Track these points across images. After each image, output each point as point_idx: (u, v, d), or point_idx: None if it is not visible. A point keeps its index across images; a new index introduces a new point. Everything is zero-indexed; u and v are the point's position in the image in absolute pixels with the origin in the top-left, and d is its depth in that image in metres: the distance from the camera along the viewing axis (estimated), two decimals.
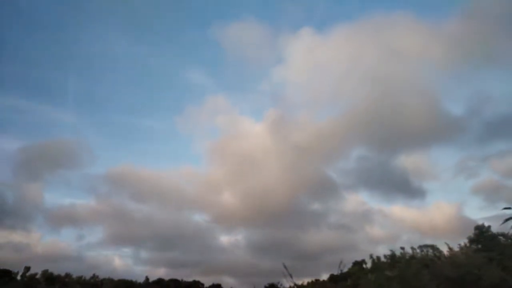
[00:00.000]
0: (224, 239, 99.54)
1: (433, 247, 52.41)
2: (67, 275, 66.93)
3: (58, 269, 64.30)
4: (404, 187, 75.34)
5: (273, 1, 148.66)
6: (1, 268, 62.81)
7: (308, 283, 68.57)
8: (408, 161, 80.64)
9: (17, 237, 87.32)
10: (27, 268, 63.41)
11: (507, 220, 7.27)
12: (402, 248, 56.78)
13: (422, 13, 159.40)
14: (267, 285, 76.31)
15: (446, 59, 78.69)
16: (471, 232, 40.19)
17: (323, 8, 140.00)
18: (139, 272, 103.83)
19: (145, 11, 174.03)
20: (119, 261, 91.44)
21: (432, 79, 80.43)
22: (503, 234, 36.55)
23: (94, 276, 71.27)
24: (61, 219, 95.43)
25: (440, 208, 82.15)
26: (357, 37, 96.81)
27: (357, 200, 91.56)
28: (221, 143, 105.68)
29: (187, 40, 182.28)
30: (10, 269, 64.04)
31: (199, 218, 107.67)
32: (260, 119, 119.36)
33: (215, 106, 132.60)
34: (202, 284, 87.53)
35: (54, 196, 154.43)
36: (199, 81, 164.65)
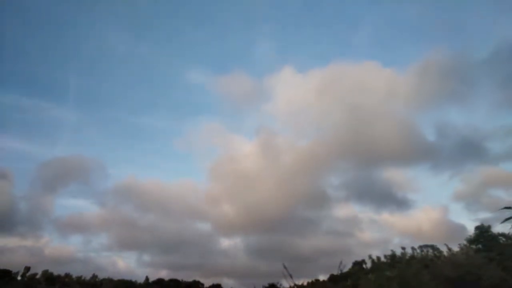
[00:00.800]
0: (224, 244, 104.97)
1: (433, 247, 52.44)
2: (67, 275, 66.90)
3: (66, 271, 66.83)
4: (389, 198, 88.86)
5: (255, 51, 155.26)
6: (2, 268, 62.86)
7: (308, 283, 68.63)
8: (388, 176, 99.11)
9: (29, 242, 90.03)
10: (27, 268, 63.43)
11: (506, 219, 7.26)
12: (403, 248, 56.93)
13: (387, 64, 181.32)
14: (267, 286, 76.35)
15: (410, 96, 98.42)
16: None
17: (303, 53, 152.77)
18: (141, 273, 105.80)
19: (148, 10, 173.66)
20: (123, 264, 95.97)
21: (401, 110, 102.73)
22: (503, 234, 36.59)
23: (94, 276, 71.22)
24: (70, 226, 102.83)
25: (426, 213, 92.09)
26: (334, 76, 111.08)
27: (348, 209, 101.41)
28: (219, 162, 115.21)
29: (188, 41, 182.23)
30: (11, 269, 64.17)
31: (200, 226, 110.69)
32: (253, 140, 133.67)
33: (212, 131, 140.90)
34: (202, 284, 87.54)
35: (65, 206, 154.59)
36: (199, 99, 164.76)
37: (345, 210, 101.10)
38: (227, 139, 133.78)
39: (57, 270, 66.62)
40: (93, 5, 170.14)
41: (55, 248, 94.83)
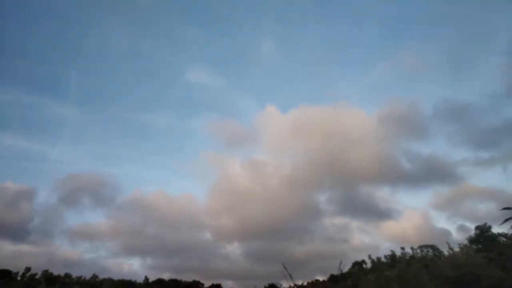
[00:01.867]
0: (223, 250, 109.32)
1: (433, 247, 52.47)
2: (67, 276, 66.90)
3: (74, 273, 68.40)
4: (374, 210, 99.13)
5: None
6: (2, 268, 62.88)
7: (308, 283, 68.66)
8: (371, 192, 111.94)
9: (41, 248, 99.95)
10: (28, 269, 63.43)
11: (506, 220, 7.26)
12: (402, 248, 56.97)
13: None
14: (267, 286, 76.53)
15: (382, 131, 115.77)
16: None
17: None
18: (142, 274, 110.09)
19: (149, 7, 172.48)
20: (126, 266, 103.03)
21: (375, 141, 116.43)
22: (503, 234, 36.60)
23: (93, 276, 71.18)
24: (80, 235, 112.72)
25: (409, 220, 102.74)
26: (313, 113, 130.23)
27: (337, 220, 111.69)
28: (217, 181, 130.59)
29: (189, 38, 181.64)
30: (11, 269, 64.19)
31: (201, 235, 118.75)
32: (247, 164, 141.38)
33: (208, 159, 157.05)
34: (202, 284, 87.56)
35: (76, 217, 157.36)
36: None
37: (334, 220, 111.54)
38: (223, 163, 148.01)
39: (65, 272, 67.52)
40: (95, 1, 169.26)
41: (64, 252, 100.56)
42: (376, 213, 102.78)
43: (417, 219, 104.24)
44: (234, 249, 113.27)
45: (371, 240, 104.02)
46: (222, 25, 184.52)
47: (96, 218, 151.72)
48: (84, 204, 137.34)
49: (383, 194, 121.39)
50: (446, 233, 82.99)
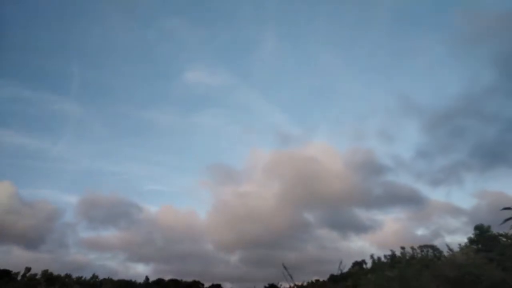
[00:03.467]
0: (223, 256, 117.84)
1: (433, 247, 52.53)
2: (67, 276, 66.87)
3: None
4: (357, 223, 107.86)
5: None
6: (2, 268, 62.88)
7: (308, 283, 68.61)
8: (351, 212, 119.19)
9: (54, 255, 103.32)
10: (28, 269, 63.41)
11: (506, 220, 7.27)
12: (402, 248, 56.99)
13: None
14: (267, 286, 76.56)
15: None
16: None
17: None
18: (143, 274, 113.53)
19: (153, 2, 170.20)
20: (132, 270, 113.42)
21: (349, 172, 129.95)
22: (503, 235, 36.57)
23: (93, 276, 71.18)
24: (91, 245, 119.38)
25: (391, 228, 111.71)
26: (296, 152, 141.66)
27: (323, 232, 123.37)
28: (214, 201, 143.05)
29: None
30: (11, 269, 64.19)
31: (202, 245, 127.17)
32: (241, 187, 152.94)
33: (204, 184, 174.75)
34: (202, 284, 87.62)
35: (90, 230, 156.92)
36: None
37: (320, 232, 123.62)
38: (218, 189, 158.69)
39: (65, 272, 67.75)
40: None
41: (75, 257, 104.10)
42: (357, 226, 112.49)
43: (397, 227, 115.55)
44: (233, 256, 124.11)
45: (358, 247, 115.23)
46: (225, 21, 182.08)
47: (107, 231, 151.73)
48: (99, 220, 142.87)
49: (361, 213, 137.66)
50: (427, 239, 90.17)
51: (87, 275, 70.69)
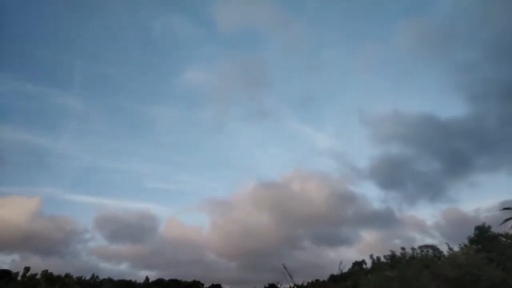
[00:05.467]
0: (223, 263, 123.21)
1: (433, 247, 52.49)
2: (67, 276, 66.84)
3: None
4: (342, 237, 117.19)
5: None
6: (2, 268, 62.87)
7: (308, 283, 68.57)
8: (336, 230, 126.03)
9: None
10: (27, 269, 63.38)
11: (507, 220, 7.26)
12: (403, 249, 56.98)
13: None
14: (267, 286, 76.59)
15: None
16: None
17: None
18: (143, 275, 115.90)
19: None
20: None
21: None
22: (503, 235, 36.54)
23: (93, 277, 71.23)
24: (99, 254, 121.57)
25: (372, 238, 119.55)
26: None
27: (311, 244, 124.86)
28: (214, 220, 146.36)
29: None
30: (10, 269, 64.17)
31: (204, 253, 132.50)
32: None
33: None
34: (202, 284, 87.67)
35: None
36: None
37: (310, 244, 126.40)
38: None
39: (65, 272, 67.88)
40: None
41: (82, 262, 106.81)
42: (340, 239, 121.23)
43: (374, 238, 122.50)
44: (233, 261, 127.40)
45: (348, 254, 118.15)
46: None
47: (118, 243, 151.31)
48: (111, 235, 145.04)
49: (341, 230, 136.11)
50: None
51: (87, 275, 70.79)
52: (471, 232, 42.03)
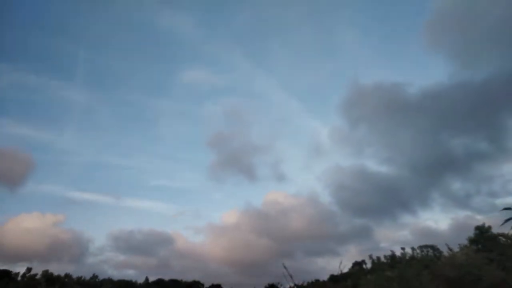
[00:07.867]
0: (222, 267, 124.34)
1: (433, 247, 52.47)
2: (67, 276, 66.84)
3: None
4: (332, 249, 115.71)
5: None
6: (2, 268, 62.85)
7: (308, 283, 68.56)
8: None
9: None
10: (28, 269, 63.39)
11: (507, 220, 7.25)
12: (403, 249, 56.97)
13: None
14: (267, 285, 76.63)
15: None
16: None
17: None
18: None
19: None
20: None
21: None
22: (503, 235, 36.54)
23: (93, 277, 71.21)
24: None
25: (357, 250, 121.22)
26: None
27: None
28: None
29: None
30: (11, 269, 64.14)
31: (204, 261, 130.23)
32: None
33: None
34: (202, 284, 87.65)
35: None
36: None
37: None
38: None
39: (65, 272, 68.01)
40: None
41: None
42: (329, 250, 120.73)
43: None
44: (232, 265, 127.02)
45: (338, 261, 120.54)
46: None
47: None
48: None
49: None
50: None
51: (87, 275, 70.77)
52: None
